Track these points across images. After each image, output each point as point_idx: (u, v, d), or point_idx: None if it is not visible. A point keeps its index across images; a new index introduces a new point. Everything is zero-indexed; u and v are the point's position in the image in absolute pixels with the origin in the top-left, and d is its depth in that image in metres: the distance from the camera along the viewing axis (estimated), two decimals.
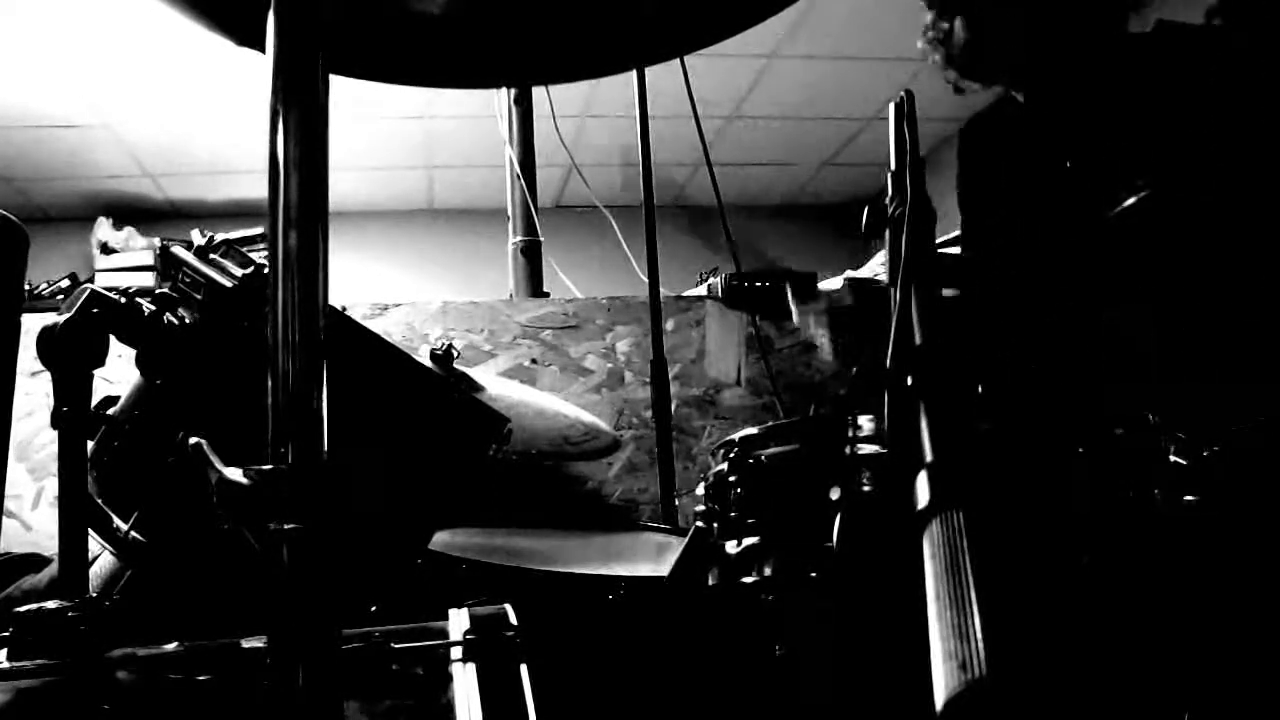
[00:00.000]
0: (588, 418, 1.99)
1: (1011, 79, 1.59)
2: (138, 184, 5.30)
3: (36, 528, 2.24)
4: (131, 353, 1.08)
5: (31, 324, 1.08)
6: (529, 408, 1.87)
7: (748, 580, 1.22)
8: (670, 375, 2.30)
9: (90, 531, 1.06)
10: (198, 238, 1.14)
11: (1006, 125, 1.65)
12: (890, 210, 0.96)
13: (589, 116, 4.70)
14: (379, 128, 4.80)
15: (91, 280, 4.67)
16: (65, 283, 4.79)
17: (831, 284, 2.70)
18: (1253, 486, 1.19)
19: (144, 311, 1.05)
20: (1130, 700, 1.18)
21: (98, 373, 1.03)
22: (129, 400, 1.13)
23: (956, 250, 2.17)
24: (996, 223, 1.64)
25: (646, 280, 2.29)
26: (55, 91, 4.30)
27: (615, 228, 2.88)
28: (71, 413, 1.00)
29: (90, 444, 1.06)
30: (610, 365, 2.53)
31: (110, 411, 1.08)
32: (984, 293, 1.65)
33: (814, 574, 1.18)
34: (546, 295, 2.74)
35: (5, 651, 0.82)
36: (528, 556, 1.55)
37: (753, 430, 1.31)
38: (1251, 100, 1.33)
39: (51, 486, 2.25)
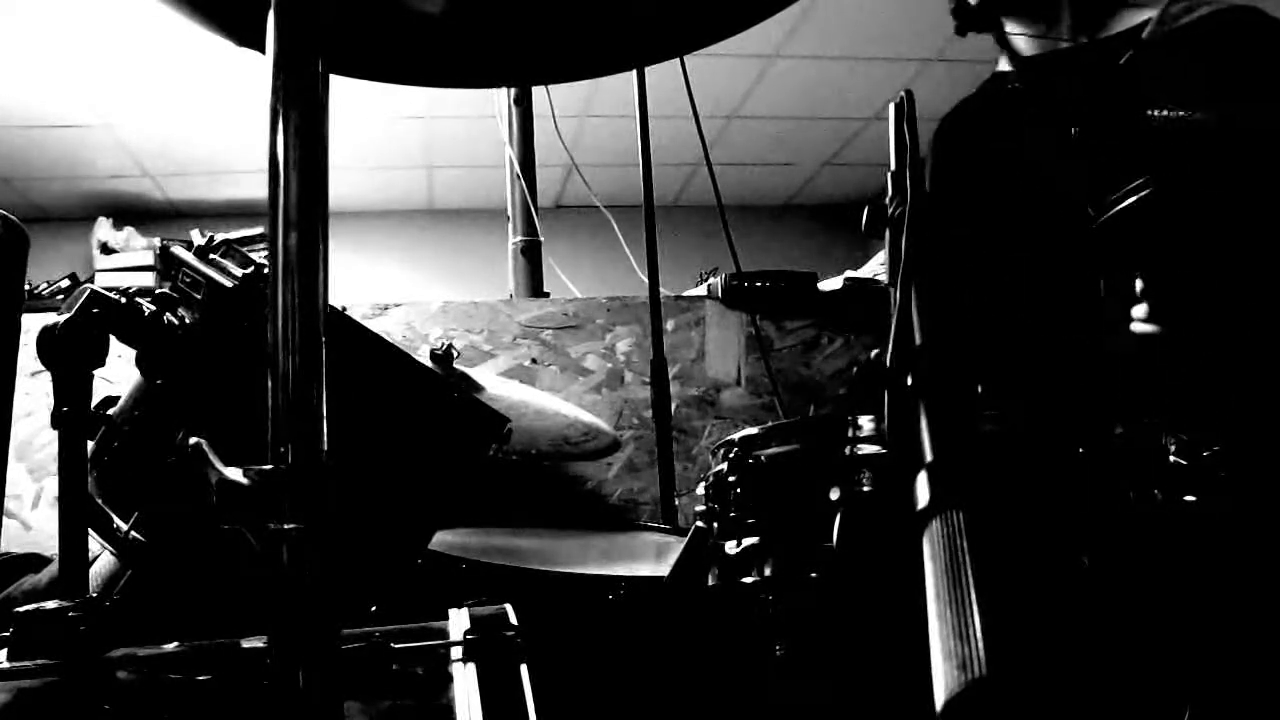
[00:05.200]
0: (588, 418, 1.99)
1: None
2: (138, 184, 5.30)
3: (36, 528, 2.24)
4: (131, 353, 1.08)
5: (31, 324, 1.08)
6: (529, 408, 1.87)
7: (747, 580, 1.22)
8: (670, 375, 2.30)
9: (90, 531, 1.06)
10: (198, 238, 1.14)
11: (995, 108, 1.59)
12: (890, 210, 0.96)
13: (589, 116, 4.70)
14: (379, 128, 4.80)
15: (91, 280, 4.67)
16: (65, 283, 4.79)
17: (831, 284, 2.70)
18: (1253, 486, 1.19)
19: (144, 311, 1.05)
20: (1130, 700, 1.18)
21: (98, 373, 1.03)
22: (129, 400, 1.13)
23: None
24: (967, 233, 1.59)
25: (646, 280, 2.29)
26: (55, 91, 4.30)
27: (615, 228, 2.88)
28: (71, 413, 1.00)
29: (90, 444, 1.06)
30: (610, 365, 2.53)
31: (110, 411, 1.08)
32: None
33: (814, 574, 1.18)
34: (546, 295, 2.74)
35: (5, 651, 0.81)
36: (528, 556, 1.55)
37: (753, 430, 1.31)
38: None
39: (51, 486, 2.25)
